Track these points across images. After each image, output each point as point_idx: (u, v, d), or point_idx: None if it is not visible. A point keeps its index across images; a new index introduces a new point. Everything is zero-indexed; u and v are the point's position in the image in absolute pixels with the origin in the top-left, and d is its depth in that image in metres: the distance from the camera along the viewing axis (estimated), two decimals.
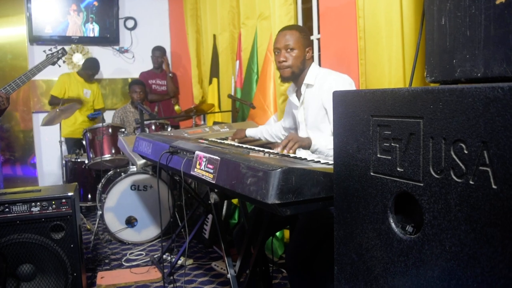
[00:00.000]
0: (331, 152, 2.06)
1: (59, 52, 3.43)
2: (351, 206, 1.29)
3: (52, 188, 2.88)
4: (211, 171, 1.54)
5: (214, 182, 1.52)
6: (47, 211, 2.59)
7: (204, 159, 1.60)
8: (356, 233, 1.27)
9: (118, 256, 3.78)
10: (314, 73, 2.34)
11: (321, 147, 2.06)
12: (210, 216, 3.72)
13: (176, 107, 5.66)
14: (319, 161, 1.68)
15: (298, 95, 2.43)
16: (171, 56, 6.08)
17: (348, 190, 1.29)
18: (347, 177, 1.29)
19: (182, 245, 3.71)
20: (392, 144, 1.14)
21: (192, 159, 1.70)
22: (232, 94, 4.17)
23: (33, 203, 2.58)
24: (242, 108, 3.95)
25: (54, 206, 2.60)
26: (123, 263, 3.63)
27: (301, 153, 2.16)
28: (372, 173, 1.21)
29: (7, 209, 2.54)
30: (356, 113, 1.24)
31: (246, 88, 3.92)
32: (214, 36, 4.65)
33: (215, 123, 4.24)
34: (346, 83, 2.24)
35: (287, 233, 3.36)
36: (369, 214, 1.22)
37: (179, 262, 3.48)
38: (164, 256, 3.59)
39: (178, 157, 1.82)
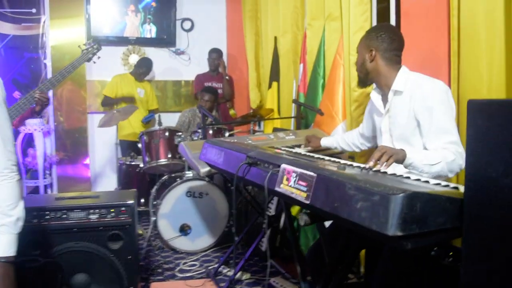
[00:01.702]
0: (426, 169, 1.79)
1: (94, 47, 3.24)
2: (489, 243, 1.03)
3: (110, 195, 2.75)
4: (304, 189, 1.32)
5: (308, 202, 1.30)
6: (106, 219, 2.45)
7: (294, 174, 1.38)
8: (496, 277, 1.02)
9: (171, 265, 3.63)
10: (404, 78, 2.07)
11: (415, 162, 1.79)
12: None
13: (232, 111, 5.49)
14: (427, 181, 1.42)
15: (384, 101, 2.17)
16: (227, 58, 5.93)
17: (485, 223, 1.04)
18: (485, 206, 1.04)
19: (237, 256, 3.52)
20: None
21: (277, 173, 1.48)
22: (295, 99, 3.95)
23: (92, 210, 2.44)
24: (307, 115, 3.71)
25: (113, 214, 2.46)
26: (177, 273, 3.46)
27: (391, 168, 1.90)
28: None
29: (64, 216, 2.42)
30: (506, 127, 0.98)
31: (311, 93, 3.68)
32: (275, 38, 4.45)
33: (275, 129, 4.03)
34: (443, 91, 1.96)
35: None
36: None
37: (236, 276, 3.28)
38: (220, 268, 3.40)
39: (258, 170, 1.61)
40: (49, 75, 5.23)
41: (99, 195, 2.63)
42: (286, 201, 1.57)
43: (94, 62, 3.29)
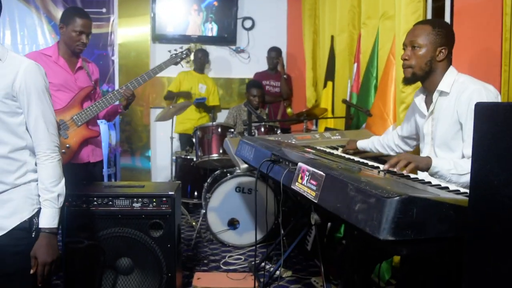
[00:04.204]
0: (454, 178, 1.69)
1: (184, 52, 3.38)
2: (491, 257, 0.98)
3: (155, 185, 2.87)
4: (314, 188, 1.32)
5: (316, 201, 1.30)
6: (148, 208, 2.56)
7: (307, 173, 1.39)
8: None
9: (217, 257, 3.72)
10: (451, 80, 1.97)
11: (442, 171, 1.69)
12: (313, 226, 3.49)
13: (288, 110, 5.50)
14: (446, 188, 1.37)
15: (428, 102, 2.08)
16: (287, 57, 5.94)
17: (485, 235, 0.99)
18: (487, 217, 0.99)
19: (282, 253, 3.53)
20: None
21: (294, 171, 1.49)
22: (348, 99, 3.89)
23: (135, 199, 2.56)
24: (357, 115, 3.65)
25: (154, 203, 2.56)
26: (221, 265, 3.55)
27: (420, 175, 1.83)
28: None
29: (110, 203, 2.56)
30: (509, 133, 0.93)
31: (363, 94, 3.62)
32: (332, 37, 4.40)
33: (326, 129, 4.00)
34: (491, 96, 1.84)
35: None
36: None
37: (277, 272, 3.31)
38: (263, 264, 3.44)
39: (279, 167, 1.63)
40: (116, 72, 5.54)
41: (144, 185, 2.75)
42: (301, 198, 1.57)
43: (182, 66, 3.50)
